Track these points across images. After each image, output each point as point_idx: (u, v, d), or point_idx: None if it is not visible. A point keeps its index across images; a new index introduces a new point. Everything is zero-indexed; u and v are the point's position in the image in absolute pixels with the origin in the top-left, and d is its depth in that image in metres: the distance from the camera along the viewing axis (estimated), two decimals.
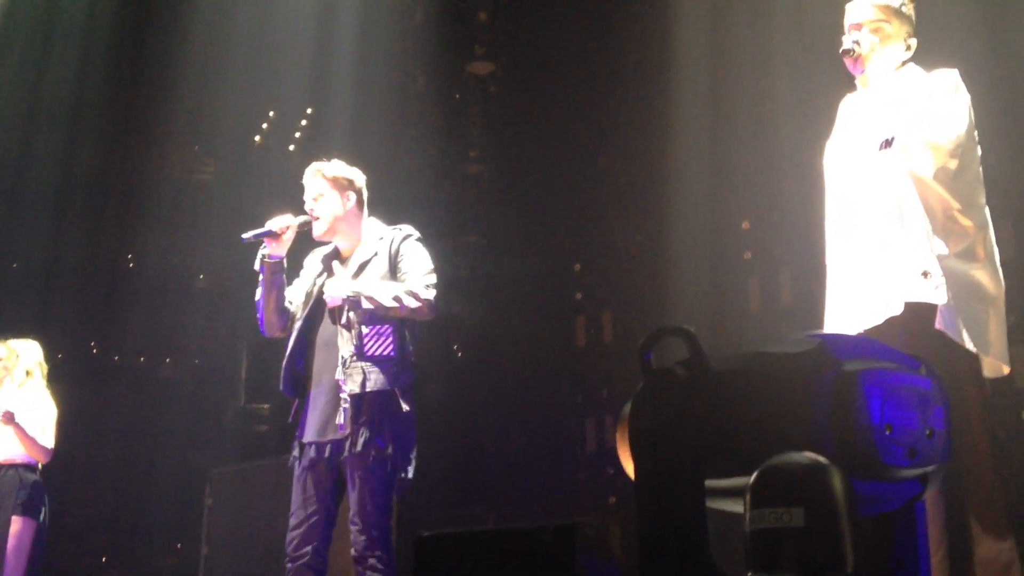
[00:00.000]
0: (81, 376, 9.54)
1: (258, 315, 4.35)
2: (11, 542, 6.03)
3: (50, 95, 8.36)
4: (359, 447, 4.01)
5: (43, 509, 6.20)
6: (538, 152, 8.92)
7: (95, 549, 9.62)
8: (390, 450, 4.05)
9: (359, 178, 4.42)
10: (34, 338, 6.56)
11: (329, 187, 4.33)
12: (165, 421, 9.68)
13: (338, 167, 4.39)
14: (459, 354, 9.76)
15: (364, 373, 4.07)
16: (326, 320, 4.22)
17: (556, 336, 8.87)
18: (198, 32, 8.21)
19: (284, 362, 4.25)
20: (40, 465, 6.28)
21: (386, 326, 4.13)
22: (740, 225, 7.49)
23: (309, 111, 9.17)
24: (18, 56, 8.18)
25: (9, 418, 6.03)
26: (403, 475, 4.15)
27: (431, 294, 4.16)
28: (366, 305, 4.09)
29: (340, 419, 4.04)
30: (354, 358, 4.08)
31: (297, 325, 4.27)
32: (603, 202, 8.56)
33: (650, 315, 7.75)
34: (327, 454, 4.09)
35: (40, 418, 6.23)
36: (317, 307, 4.26)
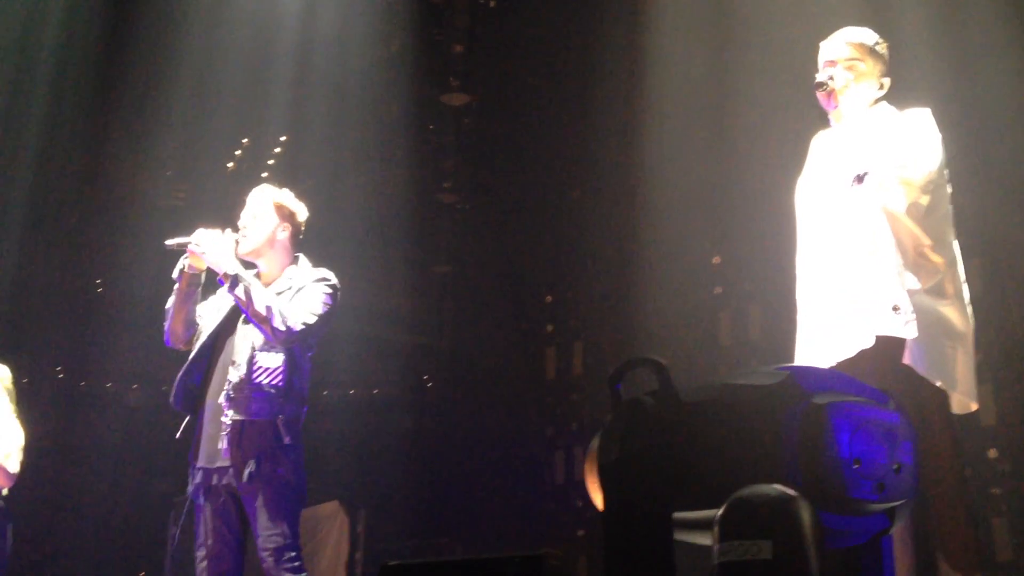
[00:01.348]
0: (47, 401, 9.43)
1: (165, 324, 4.31)
2: None
3: (21, 115, 8.31)
4: (245, 478, 3.97)
5: (7, 535, 6.10)
6: (512, 184, 8.94)
7: None
8: (285, 476, 4.01)
9: (301, 213, 4.40)
10: (1, 362, 6.47)
11: (270, 211, 4.32)
12: (130, 448, 9.57)
13: (286, 195, 4.39)
14: (429, 384, 9.73)
15: (247, 401, 4.04)
16: (229, 342, 4.17)
17: (526, 367, 8.85)
18: (172, 57, 8.19)
19: (180, 375, 4.22)
20: (4, 491, 6.19)
21: (279, 355, 4.09)
22: (711, 260, 7.52)
23: (283, 139, 9.15)
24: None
25: None
26: (304, 502, 4.12)
27: (298, 327, 4.07)
28: (238, 292, 4.03)
29: (222, 444, 4.00)
30: (241, 384, 4.05)
31: (201, 340, 4.23)
32: (575, 234, 8.58)
33: (621, 347, 7.75)
34: (222, 480, 4.04)
35: (6, 442, 6.14)
36: (225, 326, 4.22)
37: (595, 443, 2.64)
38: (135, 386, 10.38)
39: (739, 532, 2.18)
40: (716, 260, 7.46)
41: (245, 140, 9.28)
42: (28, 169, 8.58)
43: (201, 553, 4.07)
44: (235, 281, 4.05)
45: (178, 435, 4.22)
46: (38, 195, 8.75)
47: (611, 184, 8.07)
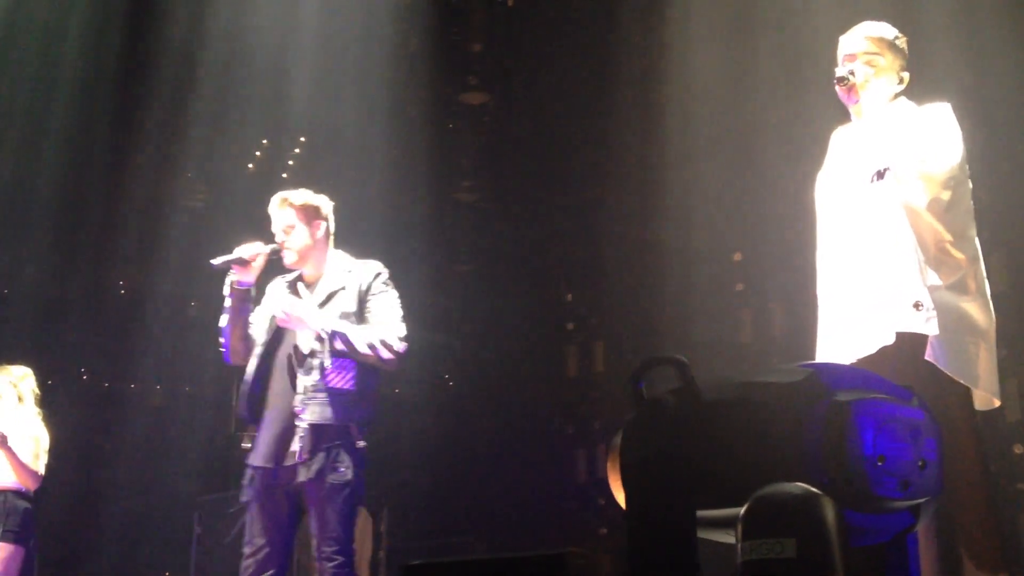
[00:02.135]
0: (71, 402, 9.49)
1: (223, 342, 4.32)
2: None
3: (47, 121, 8.37)
4: (314, 474, 3.99)
5: (32, 536, 6.15)
6: (531, 182, 8.94)
7: None
8: (349, 475, 4.03)
9: (326, 205, 4.41)
10: (25, 364, 6.52)
11: (298, 218, 4.30)
12: (154, 448, 9.62)
13: (306, 195, 4.37)
14: (450, 383, 9.74)
15: (322, 404, 4.05)
16: (285, 346, 4.18)
17: (547, 366, 8.86)
18: (193, 60, 8.22)
19: (244, 387, 4.22)
20: (31, 492, 6.24)
21: (349, 360, 4.11)
22: (732, 257, 7.51)
23: (302, 139, 9.18)
24: (24, 80, 8.21)
25: (2, 440, 6.00)
26: (362, 502, 4.14)
27: (402, 346, 4.16)
28: (339, 347, 4.06)
29: (295, 446, 4.01)
30: (314, 388, 4.06)
31: (258, 350, 4.24)
32: (595, 232, 8.58)
33: (641, 345, 7.75)
34: (282, 481, 4.06)
35: (32, 444, 6.19)
36: (280, 333, 4.23)
37: (617, 441, 2.64)
38: (158, 387, 10.44)
39: (763, 530, 2.18)
40: (737, 257, 7.45)
41: (265, 141, 9.31)
42: (53, 173, 8.65)
43: (248, 551, 4.10)
44: (333, 336, 4.07)
45: (247, 445, 4.26)
46: (62, 199, 8.81)
47: (631, 182, 8.06)
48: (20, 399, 6.29)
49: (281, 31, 8.18)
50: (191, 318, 9.97)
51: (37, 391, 6.41)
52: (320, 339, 4.09)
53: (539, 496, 8.34)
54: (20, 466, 6.08)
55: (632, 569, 2.47)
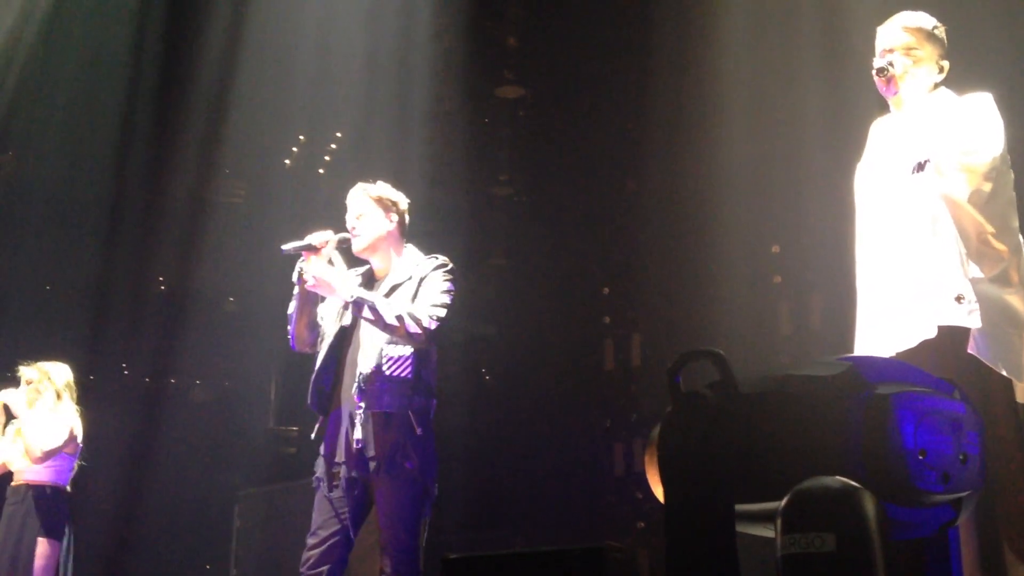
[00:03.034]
0: (112, 398, 9.59)
1: (289, 328, 4.35)
2: (36, 562, 6.04)
3: (91, 123, 8.47)
4: (383, 467, 4.02)
5: (67, 531, 6.21)
6: (567, 175, 8.93)
7: (124, 571, 9.64)
8: (413, 471, 4.05)
9: (403, 201, 4.44)
10: (66, 360, 6.59)
11: (373, 206, 4.33)
12: (195, 443, 9.71)
13: (383, 188, 4.41)
14: (487, 377, 9.75)
15: (379, 393, 4.08)
16: (355, 339, 4.22)
17: (584, 359, 8.85)
18: (230, 58, 8.28)
19: (312, 378, 4.25)
20: (68, 487, 6.30)
21: (407, 346, 4.14)
22: (770, 249, 7.46)
23: (338, 135, 9.22)
24: (67, 81, 8.31)
25: (34, 438, 6.08)
26: (430, 496, 4.15)
27: (433, 324, 4.12)
28: (367, 315, 4.07)
29: (357, 435, 4.04)
30: (371, 377, 4.09)
31: (327, 342, 4.27)
32: (632, 226, 8.55)
33: (678, 339, 7.72)
34: (351, 473, 4.09)
35: (57, 430, 6.22)
36: (349, 326, 4.26)
37: (655, 435, 2.64)
38: (198, 382, 10.53)
39: (802, 524, 2.17)
40: (775, 249, 7.40)
41: (301, 138, 9.36)
42: (94, 172, 8.74)
43: (311, 541, 4.12)
44: (359, 304, 4.09)
45: (313, 436, 4.29)
46: (103, 198, 8.91)
47: (667, 174, 8.03)
48: (59, 396, 6.35)
49: (317, 28, 8.22)
50: (230, 313, 10.06)
51: (71, 386, 6.47)
52: (346, 306, 4.12)
53: (576, 490, 8.33)
54: (50, 460, 6.15)
55: (670, 564, 2.47)
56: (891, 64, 3.63)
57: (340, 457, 4.13)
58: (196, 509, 9.28)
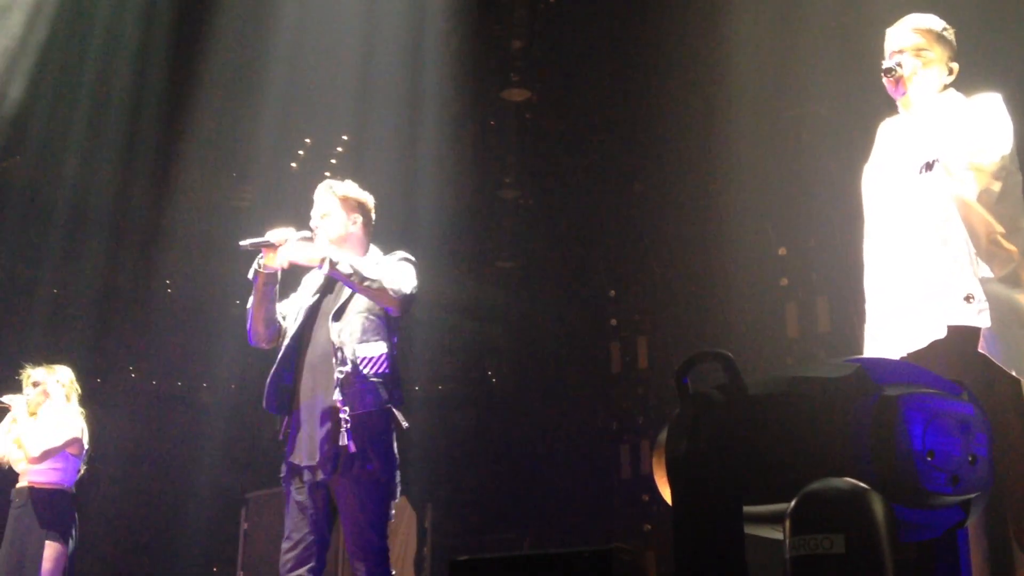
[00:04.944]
0: (119, 400, 9.61)
1: (247, 324, 4.33)
2: (44, 565, 6.05)
3: (100, 125, 8.48)
4: (347, 468, 3.99)
5: (72, 533, 6.22)
6: (573, 178, 8.93)
7: (131, 573, 9.66)
8: (380, 471, 4.03)
9: (369, 201, 4.40)
10: (74, 362, 6.61)
11: (338, 206, 4.31)
12: (201, 445, 9.72)
13: (349, 187, 4.38)
14: (494, 379, 9.76)
15: (363, 393, 4.05)
16: (317, 337, 4.18)
17: (591, 362, 8.85)
18: (236, 61, 8.29)
19: (270, 378, 4.21)
20: (73, 489, 6.31)
21: (380, 343, 4.12)
22: (777, 251, 7.45)
23: (344, 138, 9.23)
24: (78, 86, 8.33)
25: (38, 440, 6.10)
26: (394, 496, 4.13)
27: (409, 291, 4.09)
28: (345, 270, 4.02)
29: (343, 440, 3.99)
30: (349, 379, 4.06)
31: (286, 341, 4.24)
32: (638, 228, 8.55)
33: (685, 341, 7.72)
34: (320, 476, 4.06)
35: (60, 431, 6.24)
36: (308, 323, 4.23)
37: (663, 437, 2.63)
38: (205, 384, 10.54)
39: (811, 526, 2.17)
40: (782, 251, 7.39)
41: (308, 140, 9.37)
42: (103, 177, 8.75)
43: (286, 545, 4.11)
44: (335, 262, 4.04)
45: (280, 437, 4.26)
46: (111, 202, 8.93)
47: (674, 177, 8.02)
48: (67, 398, 6.37)
49: (323, 29, 8.22)
50: (236, 317, 10.06)
51: (71, 387, 6.48)
52: (324, 264, 4.05)
53: (583, 492, 8.33)
54: (54, 461, 6.16)
55: (678, 566, 2.47)
56: (899, 64, 3.63)
57: (303, 459, 4.10)
58: (203, 511, 9.29)
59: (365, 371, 4.07)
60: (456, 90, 8.62)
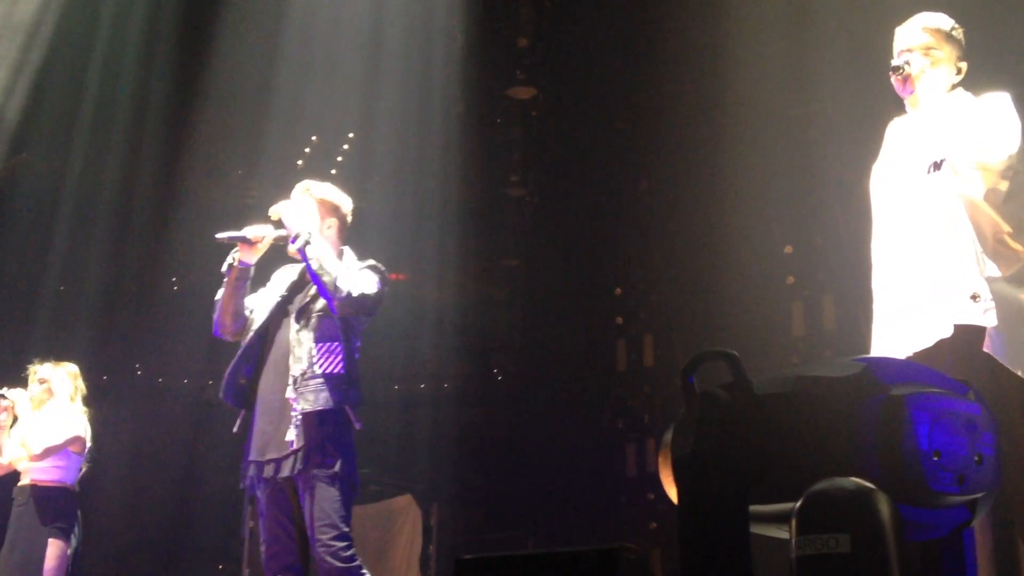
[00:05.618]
0: (124, 397, 9.61)
1: (214, 314, 4.35)
2: (47, 563, 6.05)
3: (105, 122, 8.50)
4: (304, 465, 4.01)
5: (75, 532, 6.22)
6: (579, 176, 8.91)
7: (135, 571, 9.66)
8: (338, 466, 4.04)
9: (345, 204, 4.43)
10: (79, 359, 6.61)
11: (313, 208, 4.33)
12: (207, 443, 9.72)
13: (327, 190, 4.41)
14: (499, 377, 9.75)
15: (316, 391, 4.07)
16: (280, 335, 4.22)
17: (597, 360, 8.83)
18: (242, 58, 8.29)
19: (229, 369, 4.26)
20: (75, 486, 6.31)
21: (336, 343, 4.13)
22: (783, 249, 7.44)
23: (351, 135, 9.23)
24: (83, 86, 8.36)
25: (42, 439, 6.10)
26: (356, 490, 4.14)
27: (356, 294, 4.10)
28: (312, 252, 4.06)
29: (291, 436, 4.02)
30: (305, 376, 4.07)
31: (249, 336, 4.27)
32: (644, 226, 8.53)
33: (692, 339, 7.70)
34: (275, 473, 4.07)
35: (61, 428, 6.24)
36: (274, 320, 4.26)
37: (669, 436, 2.63)
38: (210, 382, 10.54)
39: (817, 526, 2.16)
40: (788, 249, 7.37)
41: (314, 138, 9.37)
42: (108, 174, 8.76)
43: (263, 548, 4.13)
44: (309, 241, 4.09)
45: (235, 429, 4.28)
46: (116, 199, 8.94)
47: (680, 174, 8.01)
48: (71, 398, 6.37)
49: (328, 27, 8.23)
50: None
51: (75, 383, 6.48)
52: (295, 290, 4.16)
53: (588, 491, 8.32)
54: (56, 459, 6.17)
55: (684, 565, 2.46)
56: (907, 63, 3.62)
57: (259, 456, 4.13)
58: (209, 509, 9.29)
59: (318, 370, 4.08)
60: (462, 88, 8.62)
